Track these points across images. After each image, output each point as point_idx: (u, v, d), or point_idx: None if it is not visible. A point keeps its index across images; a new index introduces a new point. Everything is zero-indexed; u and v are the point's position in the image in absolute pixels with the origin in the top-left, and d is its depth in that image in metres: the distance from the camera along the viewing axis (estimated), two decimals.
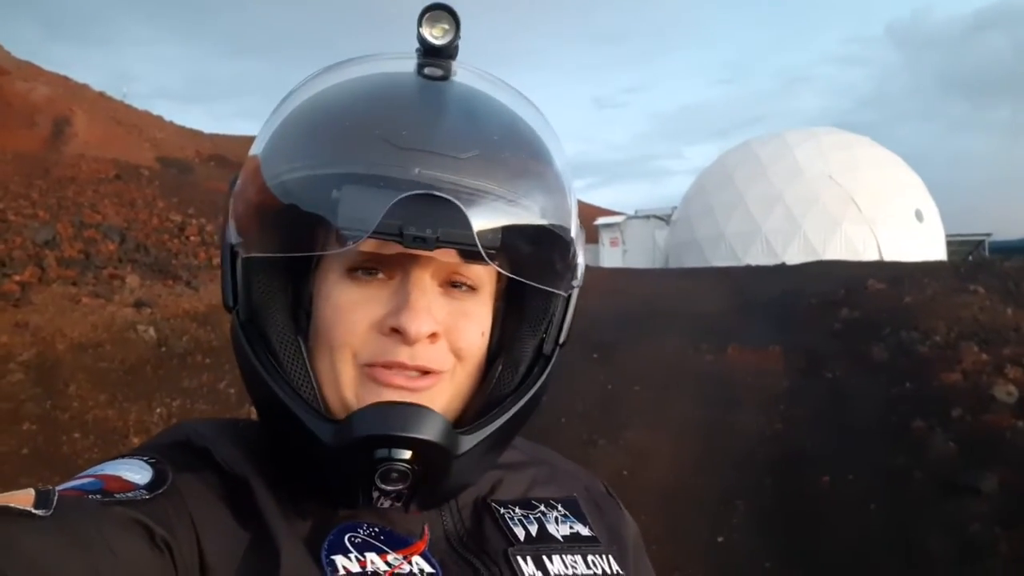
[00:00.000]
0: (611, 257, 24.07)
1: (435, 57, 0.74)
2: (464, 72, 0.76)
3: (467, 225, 0.64)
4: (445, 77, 0.74)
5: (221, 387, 7.46)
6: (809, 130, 22.62)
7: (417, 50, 0.74)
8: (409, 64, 0.74)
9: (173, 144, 27.23)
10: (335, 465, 0.67)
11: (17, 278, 9.19)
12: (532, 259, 0.72)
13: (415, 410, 0.66)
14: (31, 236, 10.61)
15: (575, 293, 0.79)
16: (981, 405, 5.78)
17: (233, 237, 0.73)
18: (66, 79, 28.62)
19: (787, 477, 5.77)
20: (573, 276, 0.77)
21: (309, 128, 0.71)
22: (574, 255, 0.76)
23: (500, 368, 0.76)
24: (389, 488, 0.66)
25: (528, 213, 0.69)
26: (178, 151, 25.64)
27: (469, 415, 0.73)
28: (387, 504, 0.69)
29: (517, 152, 0.73)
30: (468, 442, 0.68)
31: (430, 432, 0.65)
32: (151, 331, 8.39)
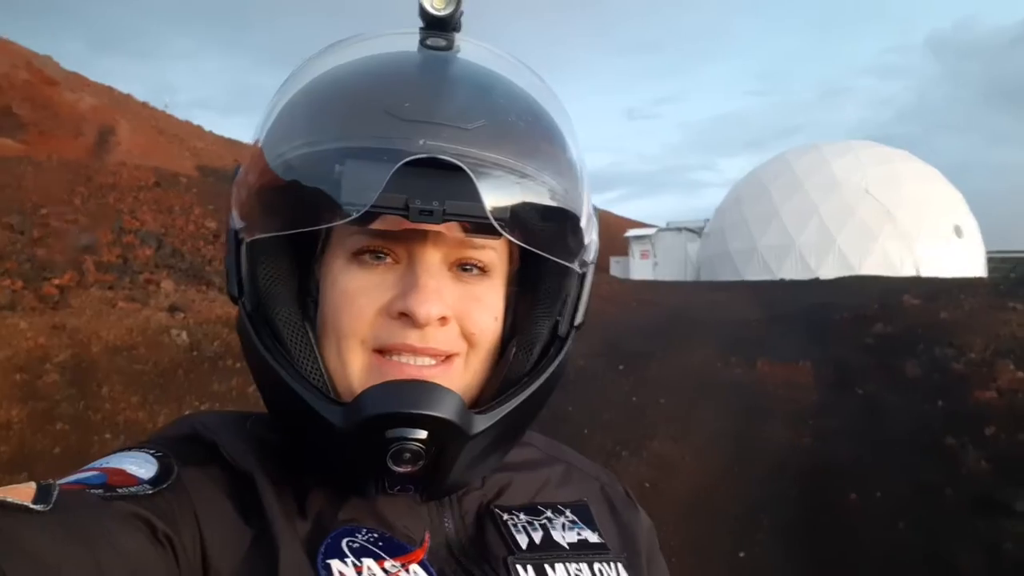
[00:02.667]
0: (641, 269, 23.91)
1: (437, 30, 0.73)
2: (469, 45, 0.75)
3: (475, 196, 0.62)
4: (448, 47, 0.73)
5: (250, 391, 7.55)
6: (846, 143, 22.32)
7: (421, 28, 0.73)
8: (412, 40, 0.73)
9: (213, 153, 27.75)
10: (345, 448, 0.65)
11: (56, 282, 9.43)
12: (543, 232, 0.68)
13: (428, 387, 0.64)
14: (72, 241, 10.90)
15: (590, 272, 0.77)
16: (1016, 423, 5.62)
17: (237, 223, 0.72)
18: (111, 89, 29.38)
19: (814, 492, 5.65)
20: (586, 252, 0.75)
21: (310, 107, 0.70)
22: (586, 230, 0.74)
23: (514, 350, 0.73)
24: (400, 470, 0.64)
25: (538, 184, 0.67)
26: (217, 160, 26.11)
27: (484, 400, 0.71)
28: (396, 491, 0.69)
29: (525, 123, 0.71)
30: (483, 422, 0.66)
31: (445, 410, 0.63)
32: (184, 335, 8.54)
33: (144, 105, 30.21)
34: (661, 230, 25.79)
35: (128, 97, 29.82)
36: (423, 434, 0.63)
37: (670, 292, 15.01)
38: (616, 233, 26.32)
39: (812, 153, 21.60)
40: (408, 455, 0.63)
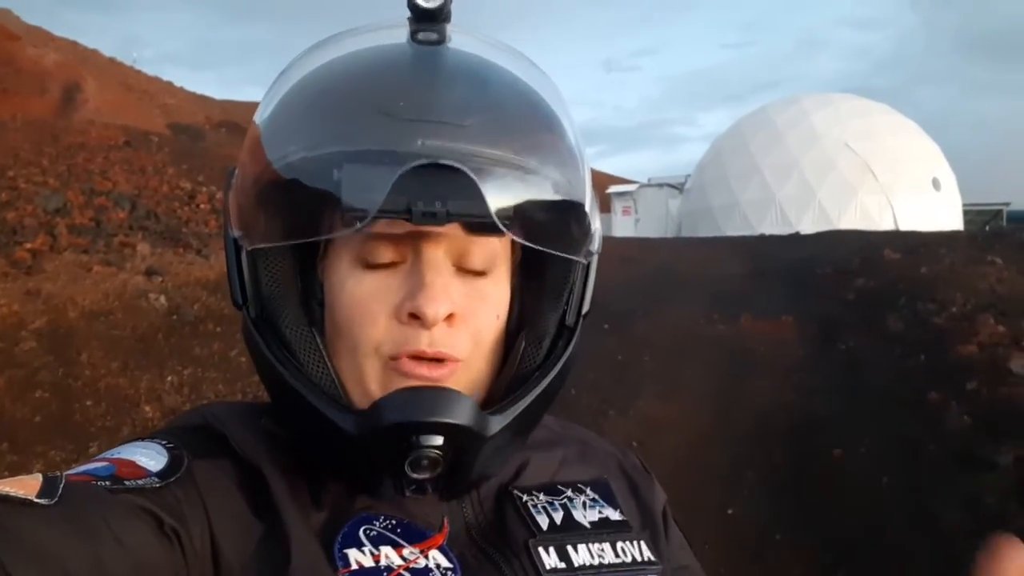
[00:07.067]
0: (623, 226, 23.89)
1: (428, 22, 0.69)
2: (461, 37, 0.71)
3: (478, 195, 0.61)
4: (440, 41, 0.69)
5: (232, 355, 7.49)
6: (827, 95, 22.25)
7: (408, 18, 0.69)
8: (404, 32, 0.70)
9: (184, 110, 27.11)
10: (361, 455, 0.65)
11: (28, 246, 9.22)
12: (547, 226, 0.68)
13: (443, 394, 0.64)
14: (42, 204, 10.63)
15: (595, 260, 0.76)
16: (997, 378, 5.70)
17: (235, 231, 0.70)
18: (76, 44, 28.45)
19: (799, 448, 5.74)
20: (590, 242, 0.74)
21: (303, 111, 0.68)
22: (590, 220, 0.73)
23: (523, 344, 0.73)
24: (419, 476, 0.64)
25: (540, 178, 0.67)
26: (189, 117, 25.52)
27: (495, 397, 0.71)
28: (410, 491, 0.67)
29: (523, 114, 0.70)
30: (498, 422, 0.66)
31: (460, 416, 0.63)
32: (162, 299, 8.41)
33: (111, 61, 29.34)
34: (642, 186, 25.71)
35: (94, 52, 28.92)
36: (439, 440, 0.63)
37: (652, 249, 15.02)
38: (597, 190, 26.07)
39: (793, 107, 21.51)
40: (426, 462, 0.63)
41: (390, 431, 0.62)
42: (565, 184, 0.69)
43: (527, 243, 0.67)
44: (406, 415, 0.62)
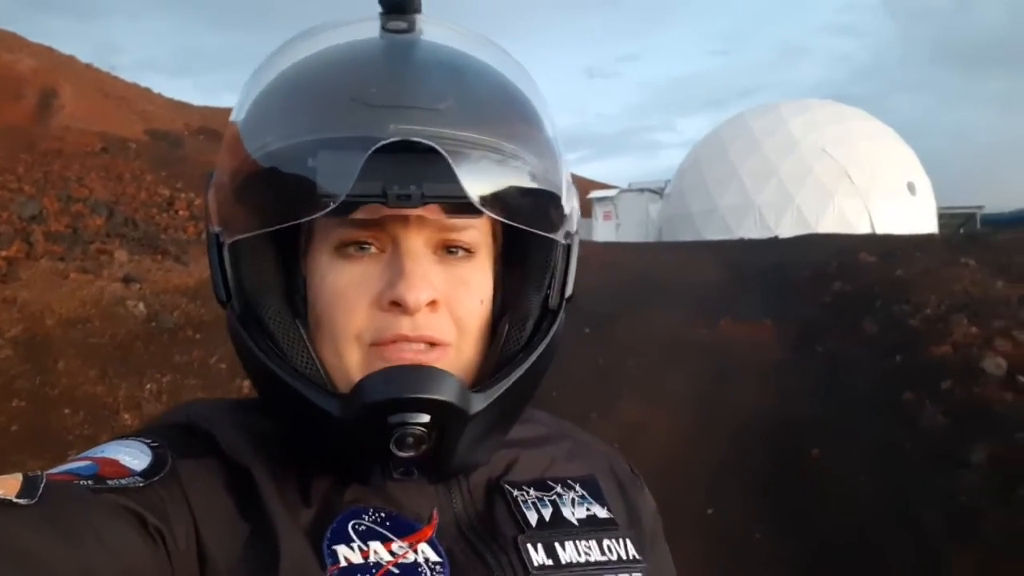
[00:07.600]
0: (604, 231, 23.96)
1: (397, 13, 0.71)
2: (433, 28, 0.73)
3: (452, 177, 0.61)
4: (410, 29, 0.71)
5: (212, 362, 7.44)
6: (804, 102, 22.48)
7: (380, 13, 0.71)
8: (375, 26, 0.72)
9: (162, 117, 26.85)
10: (347, 438, 0.65)
11: (4, 253, 9.10)
12: (523, 206, 0.68)
13: (426, 371, 0.64)
14: (17, 211, 10.51)
15: (575, 243, 0.76)
16: (971, 377, 5.79)
17: (215, 226, 0.71)
18: (51, 50, 28.11)
19: (778, 450, 5.80)
20: (568, 222, 0.74)
21: (276, 104, 0.69)
22: (566, 201, 0.74)
23: (507, 327, 0.73)
24: (404, 455, 0.63)
25: (515, 160, 0.67)
26: (167, 124, 25.28)
27: (481, 380, 0.70)
28: (398, 475, 0.67)
29: (496, 100, 0.71)
30: (482, 400, 0.66)
31: (444, 392, 0.62)
32: (140, 306, 8.34)
33: (88, 67, 28.99)
34: (623, 191, 25.77)
35: (71, 59, 28.57)
36: (425, 418, 0.62)
37: (633, 254, 15.09)
38: (579, 195, 26.29)
39: (770, 113, 21.71)
40: (411, 439, 0.63)
41: (374, 409, 0.62)
42: (540, 167, 0.69)
43: (504, 220, 0.66)
44: (389, 392, 0.62)
